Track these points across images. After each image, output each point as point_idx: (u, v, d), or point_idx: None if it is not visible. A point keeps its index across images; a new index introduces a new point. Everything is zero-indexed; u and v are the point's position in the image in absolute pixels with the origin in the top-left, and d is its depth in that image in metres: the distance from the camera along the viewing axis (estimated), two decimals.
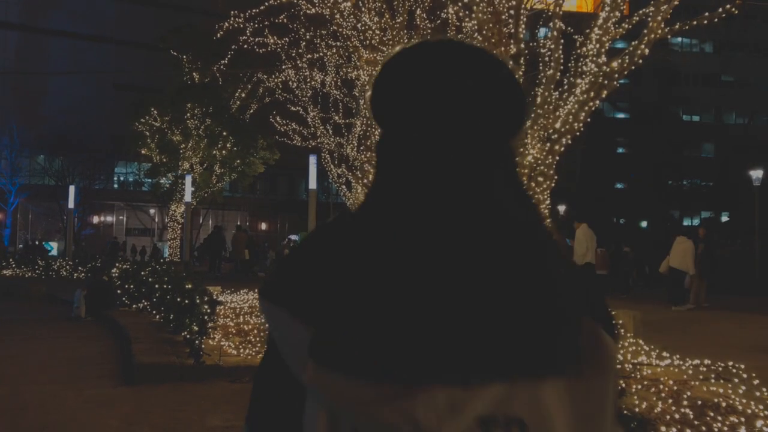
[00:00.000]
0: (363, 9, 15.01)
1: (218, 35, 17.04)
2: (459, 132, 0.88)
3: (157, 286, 10.37)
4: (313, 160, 15.75)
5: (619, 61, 8.81)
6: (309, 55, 20.07)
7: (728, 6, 8.68)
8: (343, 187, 22.75)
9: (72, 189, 24.06)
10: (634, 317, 8.88)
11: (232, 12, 16.64)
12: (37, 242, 36.46)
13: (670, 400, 5.44)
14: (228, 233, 31.86)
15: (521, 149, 9.04)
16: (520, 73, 8.98)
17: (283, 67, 21.44)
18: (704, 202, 52.57)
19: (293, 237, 32.51)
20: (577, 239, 13.87)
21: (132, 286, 11.95)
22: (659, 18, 8.62)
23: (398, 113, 0.91)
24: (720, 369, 6.62)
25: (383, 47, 15.88)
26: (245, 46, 19.43)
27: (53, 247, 39.66)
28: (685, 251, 14.81)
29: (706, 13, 8.85)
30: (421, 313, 0.78)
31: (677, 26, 8.95)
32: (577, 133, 9.33)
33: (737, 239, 29.05)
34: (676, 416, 4.99)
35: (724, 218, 52.67)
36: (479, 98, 0.89)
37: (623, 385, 5.69)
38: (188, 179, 20.32)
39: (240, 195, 48.34)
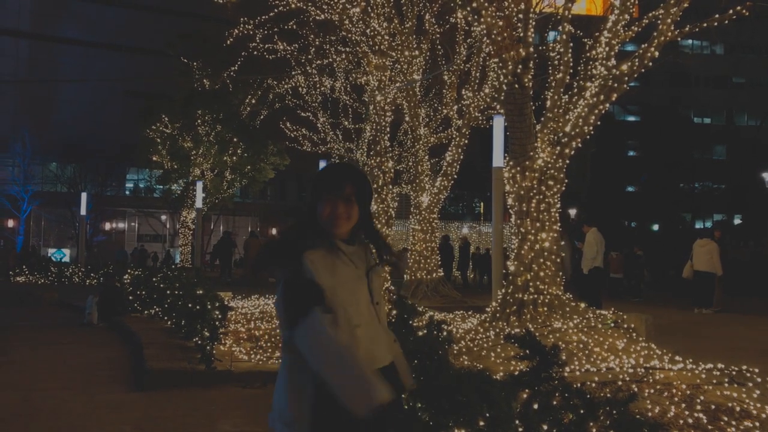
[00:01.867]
0: (372, 15, 15.04)
1: (228, 42, 17.10)
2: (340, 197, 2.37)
3: (168, 292, 10.41)
4: (323, 165, 15.78)
5: (629, 63, 8.78)
6: (318, 61, 20.14)
7: (738, 7, 8.64)
8: None
9: (84, 196, 24.21)
10: (645, 321, 8.83)
11: (241, 19, 16.70)
12: (35, 249, 36.55)
13: (683, 405, 5.40)
14: (239, 239, 31.94)
15: (532, 153, 9.02)
16: (530, 76, 8.98)
17: (293, 73, 21.52)
18: (716, 205, 52.25)
19: None
20: (587, 243, 13.80)
21: (144, 293, 11.99)
22: (669, 20, 8.59)
23: (317, 189, 2.38)
24: (733, 373, 6.56)
25: (392, 52, 15.91)
26: (255, 52, 19.51)
27: (65, 254, 39.89)
28: (711, 253, 14.75)
29: (717, 15, 8.80)
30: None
31: (687, 28, 8.91)
32: (587, 137, 9.30)
33: (750, 241, 28.84)
34: (690, 421, 4.96)
35: (737, 221, 52.31)
36: (350, 186, 2.37)
37: (635, 389, 5.66)
38: (199, 185, 20.40)
39: (250, 201, 48.51)
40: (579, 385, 4.14)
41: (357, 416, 2.02)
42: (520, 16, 8.81)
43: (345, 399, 2.03)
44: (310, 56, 19.96)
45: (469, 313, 11.99)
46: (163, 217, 46.88)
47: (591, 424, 3.28)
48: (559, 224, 9.23)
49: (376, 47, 15.05)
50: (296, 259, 2.21)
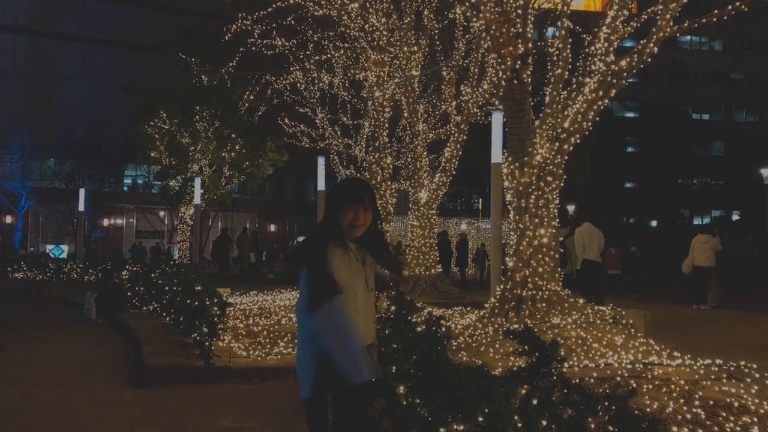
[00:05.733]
0: (370, 10, 15.02)
1: (226, 38, 17.06)
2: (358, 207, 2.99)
3: (167, 288, 10.41)
4: (321, 161, 15.76)
5: (628, 59, 8.77)
6: (317, 57, 20.10)
7: (738, 3, 8.62)
8: None
9: (82, 192, 24.18)
10: (644, 317, 8.85)
11: (240, 14, 16.66)
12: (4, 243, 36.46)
13: (682, 400, 5.41)
14: (236, 235, 31.94)
15: (531, 149, 9.02)
16: (528, 72, 8.97)
17: (291, 68, 21.48)
18: (714, 201, 52.29)
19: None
20: (575, 240, 13.86)
21: (142, 288, 12.00)
22: (668, 16, 8.58)
23: (334, 201, 3.01)
24: (732, 369, 6.58)
25: (391, 48, 15.89)
26: (253, 48, 19.47)
27: (63, 250, 39.84)
28: (714, 249, 14.91)
29: (716, 11, 8.79)
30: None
31: (686, 24, 8.90)
32: (586, 133, 9.29)
33: (748, 238, 28.86)
34: (688, 416, 4.97)
35: (735, 217, 52.35)
36: (368, 197, 3.00)
37: (634, 384, 5.67)
38: (197, 181, 20.38)
39: (249, 197, 48.45)
40: (578, 380, 4.14)
41: (347, 384, 2.72)
42: (519, 11, 8.80)
43: (343, 370, 2.72)
44: (308, 52, 19.92)
45: (468, 309, 12.01)
46: (162, 213, 46.87)
47: (590, 419, 3.29)
48: (557, 220, 9.23)
49: (375, 43, 15.03)
50: (322, 250, 2.86)
